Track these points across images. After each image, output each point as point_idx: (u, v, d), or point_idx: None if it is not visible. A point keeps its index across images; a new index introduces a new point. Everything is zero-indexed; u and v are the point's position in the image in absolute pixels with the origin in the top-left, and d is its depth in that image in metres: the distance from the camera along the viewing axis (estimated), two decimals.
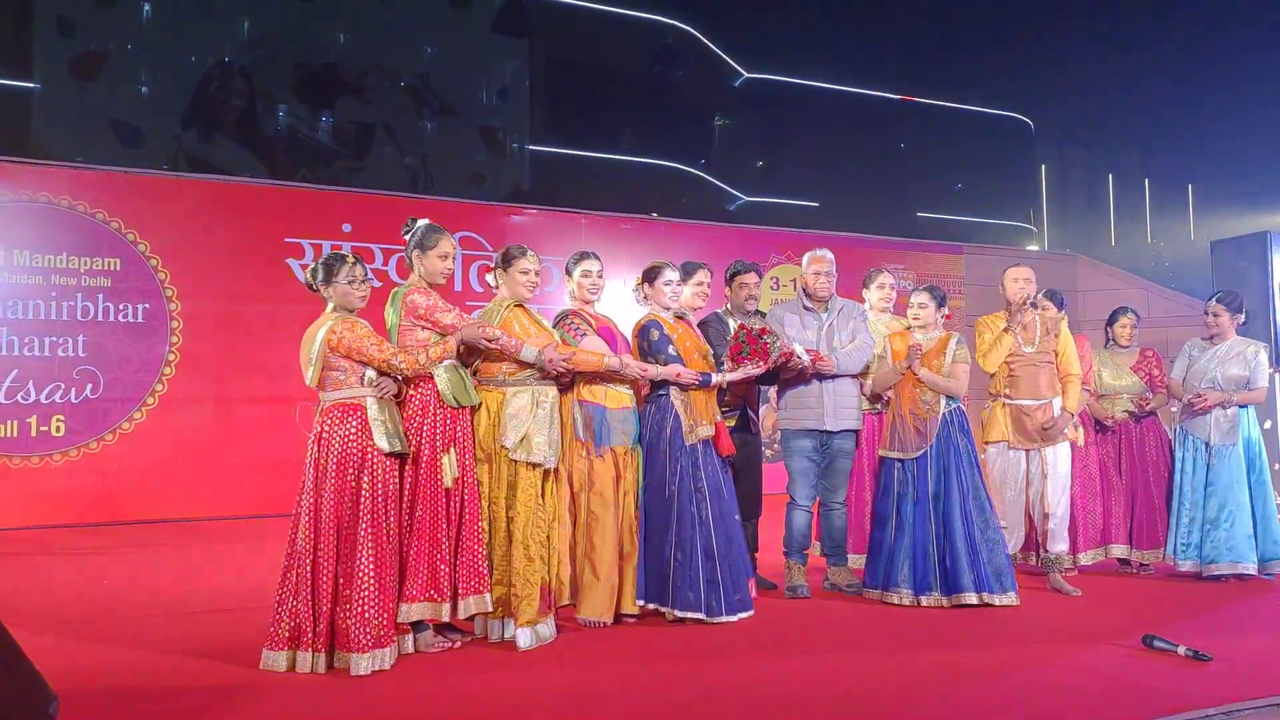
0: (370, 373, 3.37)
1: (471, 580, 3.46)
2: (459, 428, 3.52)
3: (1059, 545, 4.66)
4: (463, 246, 8.23)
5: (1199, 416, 4.90)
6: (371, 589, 3.19)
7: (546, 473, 3.68)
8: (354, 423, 3.31)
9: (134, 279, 7.29)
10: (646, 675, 3.19)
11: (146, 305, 7.32)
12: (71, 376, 7.08)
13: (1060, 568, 4.65)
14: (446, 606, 3.41)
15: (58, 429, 7.02)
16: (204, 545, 6.20)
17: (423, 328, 3.51)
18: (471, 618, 3.56)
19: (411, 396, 3.50)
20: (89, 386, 7.13)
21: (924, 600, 4.18)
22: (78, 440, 7.07)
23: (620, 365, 3.81)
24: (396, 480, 3.38)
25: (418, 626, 3.44)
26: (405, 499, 3.42)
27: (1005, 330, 4.68)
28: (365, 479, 3.28)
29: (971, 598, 4.13)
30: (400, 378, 3.43)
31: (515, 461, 3.57)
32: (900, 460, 4.34)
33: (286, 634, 3.19)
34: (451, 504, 3.46)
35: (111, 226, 7.27)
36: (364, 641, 3.15)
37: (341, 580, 3.22)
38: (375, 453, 3.31)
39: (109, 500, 7.11)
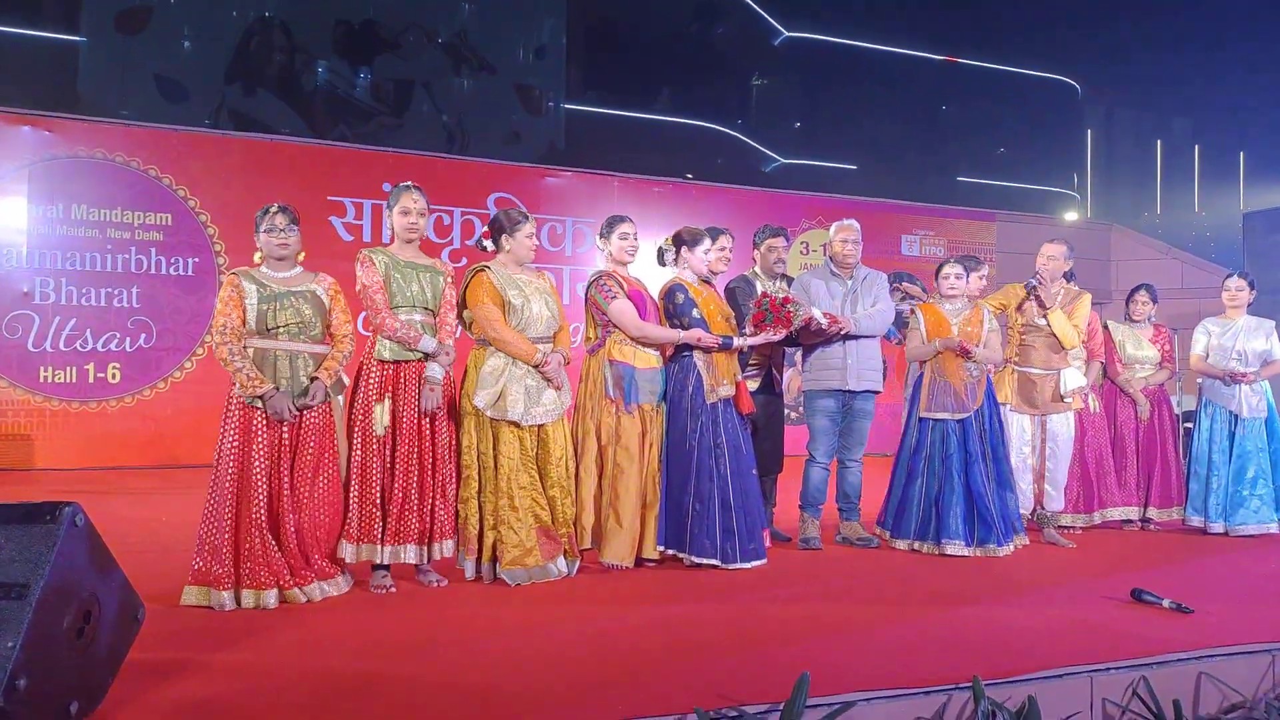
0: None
1: (438, 525, 3.67)
2: (403, 379, 3.64)
3: (1054, 504, 5.01)
4: (499, 208, 8.43)
5: (1228, 390, 5.22)
6: (289, 527, 3.38)
7: (543, 427, 3.81)
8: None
9: (185, 234, 7.60)
10: (662, 612, 3.41)
11: (196, 259, 7.63)
12: (126, 326, 7.43)
13: (1055, 523, 4.99)
14: (387, 550, 3.57)
15: (114, 376, 7.39)
16: None
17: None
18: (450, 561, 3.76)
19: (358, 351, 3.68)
20: (142, 336, 7.48)
21: (948, 549, 4.43)
22: (132, 387, 7.44)
23: (543, 359, 3.78)
24: (287, 429, 3.45)
25: (377, 566, 3.60)
26: (354, 447, 3.59)
27: (1023, 302, 4.92)
28: (261, 424, 3.44)
29: (989, 546, 4.43)
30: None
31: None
32: (940, 420, 4.56)
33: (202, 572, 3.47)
34: (398, 451, 3.59)
35: (163, 183, 7.56)
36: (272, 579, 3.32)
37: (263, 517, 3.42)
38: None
39: (160, 444, 7.49)
